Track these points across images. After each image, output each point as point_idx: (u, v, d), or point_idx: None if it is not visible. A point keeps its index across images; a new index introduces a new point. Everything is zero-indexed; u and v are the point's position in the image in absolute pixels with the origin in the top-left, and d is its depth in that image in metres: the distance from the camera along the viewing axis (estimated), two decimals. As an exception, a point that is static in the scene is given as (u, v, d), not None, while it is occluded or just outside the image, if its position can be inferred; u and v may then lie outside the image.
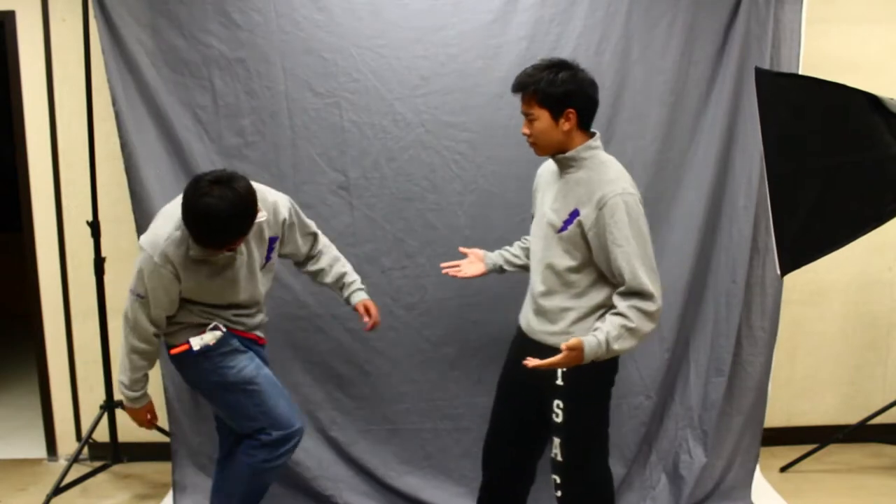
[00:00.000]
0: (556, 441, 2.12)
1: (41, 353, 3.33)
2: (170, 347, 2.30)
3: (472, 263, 2.45)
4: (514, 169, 2.73)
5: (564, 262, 2.07)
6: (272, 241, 2.30)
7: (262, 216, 2.17)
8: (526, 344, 2.20)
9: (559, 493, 2.15)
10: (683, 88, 2.81)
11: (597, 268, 2.06)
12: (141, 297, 2.16)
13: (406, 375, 2.83)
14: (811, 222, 2.36)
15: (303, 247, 2.42)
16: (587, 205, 2.01)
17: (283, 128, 2.73)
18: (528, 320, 2.21)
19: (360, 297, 2.47)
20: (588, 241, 2.03)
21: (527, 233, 2.36)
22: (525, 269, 2.39)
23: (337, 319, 2.81)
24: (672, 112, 2.81)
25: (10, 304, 5.42)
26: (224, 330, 2.25)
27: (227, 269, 2.21)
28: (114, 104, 2.67)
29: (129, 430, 3.21)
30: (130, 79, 2.69)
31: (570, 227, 2.04)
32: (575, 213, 2.04)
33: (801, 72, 2.78)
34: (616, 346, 1.95)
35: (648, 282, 1.96)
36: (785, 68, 2.79)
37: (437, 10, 2.72)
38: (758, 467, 3.02)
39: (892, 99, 2.36)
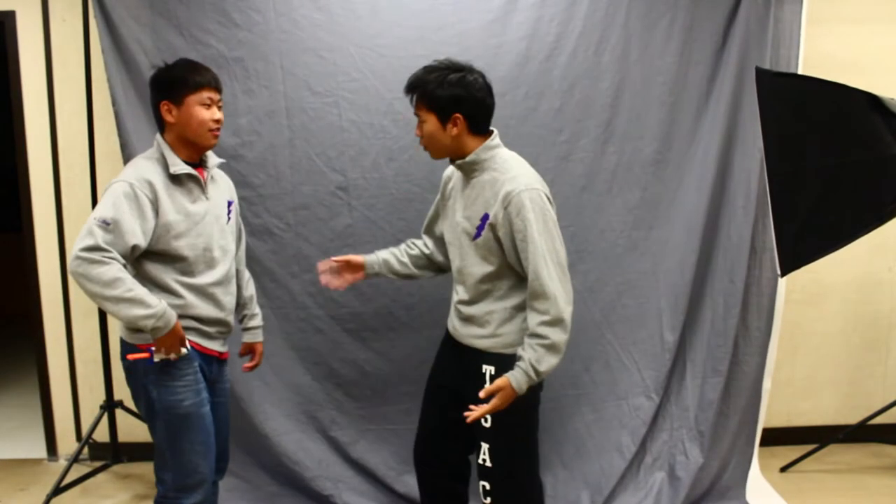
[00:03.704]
0: (485, 447, 2.08)
1: (41, 353, 3.33)
2: (127, 352, 2.08)
3: (346, 272, 2.32)
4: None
5: (482, 269, 2.05)
6: (229, 203, 2.24)
7: (219, 161, 2.21)
8: (454, 346, 2.20)
9: (488, 501, 2.11)
10: (683, 89, 2.81)
11: (515, 269, 2.03)
12: (106, 225, 1.91)
13: (405, 376, 2.83)
14: (811, 222, 2.35)
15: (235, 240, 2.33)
16: (494, 205, 1.98)
17: (280, 127, 2.72)
18: (455, 326, 2.19)
19: (259, 337, 2.39)
20: (501, 243, 2.00)
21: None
22: (410, 277, 2.36)
23: (335, 320, 2.81)
24: (671, 112, 2.81)
25: (10, 304, 5.45)
26: (189, 348, 2.07)
27: (201, 201, 2.10)
28: (113, 104, 2.66)
29: (129, 430, 3.23)
30: (130, 79, 2.68)
31: (484, 233, 2.01)
32: (486, 218, 2.00)
33: (801, 72, 2.78)
34: (543, 368, 1.94)
35: (549, 282, 1.92)
36: (785, 68, 2.79)
37: (437, 9, 2.71)
38: (758, 467, 3.02)
39: (892, 99, 2.36)
